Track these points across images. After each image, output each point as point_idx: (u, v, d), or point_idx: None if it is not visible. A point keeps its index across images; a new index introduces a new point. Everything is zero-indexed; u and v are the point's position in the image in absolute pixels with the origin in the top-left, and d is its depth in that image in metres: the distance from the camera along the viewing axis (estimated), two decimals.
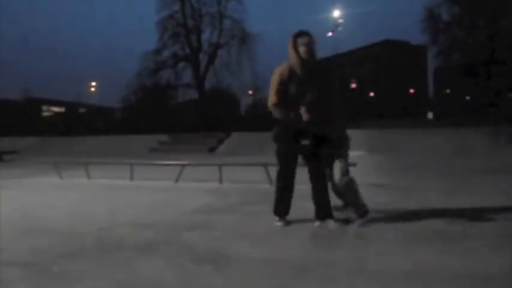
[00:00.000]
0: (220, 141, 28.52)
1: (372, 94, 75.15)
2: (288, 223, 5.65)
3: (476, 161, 14.30)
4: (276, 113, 5.48)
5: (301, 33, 5.29)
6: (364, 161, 14.06)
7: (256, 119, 42.95)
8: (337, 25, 51.12)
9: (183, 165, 10.90)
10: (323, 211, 5.54)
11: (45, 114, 67.77)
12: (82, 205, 8.14)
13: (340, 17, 51.30)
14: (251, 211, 6.88)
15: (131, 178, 11.41)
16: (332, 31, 52.06)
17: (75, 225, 6.14)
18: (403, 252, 4.25)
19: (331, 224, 5.41)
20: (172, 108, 45.72)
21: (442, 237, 4.74)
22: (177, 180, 10.66)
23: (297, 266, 3.98)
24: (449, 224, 5.40)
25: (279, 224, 5.63)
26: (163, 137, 30.31)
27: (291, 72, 5.32)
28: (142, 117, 42.76)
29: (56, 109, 69.21)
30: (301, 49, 5.22)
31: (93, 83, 55.13)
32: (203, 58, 45.14)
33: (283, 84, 5.31)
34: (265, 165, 10.06)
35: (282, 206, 5.70)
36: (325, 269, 3.88)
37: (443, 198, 7.49)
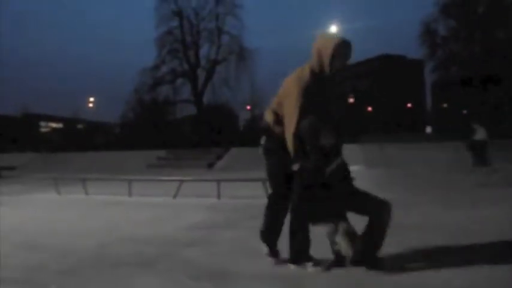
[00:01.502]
0: (219, 157, 28.53)
1: (369, 109, 75.29)
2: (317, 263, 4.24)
3: (475, 174, 14.28)
4: (296, 146, 4.06)
5: (348, 44, 4.12)
6: (362, 175, 14.06)
7: (254, 134, 43.08)
8: None
9: (181, 181, 10.89)
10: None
11: (43, 130, 67.79)
12: (80, 221, 8.12)
13: (338, 33, 51.67)
14: (250, 226, 6.83)
15: (129, 194, 11.39)
16: None
17: (73, 242, 6.11)
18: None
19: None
20: (170, 124, 45.82)
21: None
22: (175, 196, 10.65)
23: (297, 283, 3.96)
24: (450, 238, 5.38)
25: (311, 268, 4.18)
26: (162, 153, 30.34)
27: (319, 83, 4.18)
28: (140, 133, 42.86)
29: (54, 125, 69.25)
30: (338, 62, 4.08)
31: (92, 99, 55.14)
32: (201, 74, 45.40)
33: (310, 102, 4.06)
34: (263, 181, 10.05)
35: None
36: (322, 284, 3.87)
37: (443, 213, 7.46)
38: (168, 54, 45.55)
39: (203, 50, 45.70)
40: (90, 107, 55.41)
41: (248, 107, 50.78)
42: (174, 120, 47.18)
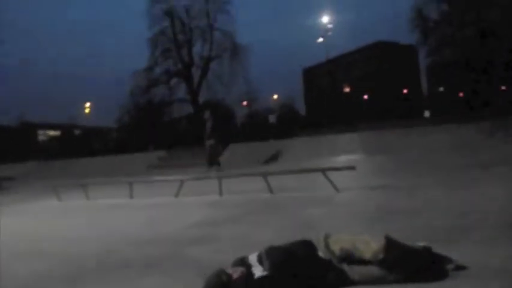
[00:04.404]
0: (218, 154, 28.46)
1: (366, 97, 75.25)
2: None
3: (475, 156, 14.25)
4: None
5: None
6: (362, 164, 14.06)
7: (252, 129, 43.02)
8: (327, 30, 51.45)
9: (182, 180, 10.85)
10: None
11: (41, 138, 67.62)
12: (82, 227, 8.09)
13: (330, 23, 51.62)
14: (253, 221, 6.83)
15: (131, 196, 11.35)
16: (322, 37, 52.36)
17: (76, 247, 6.08)
18: None
19: None
20: (167, 124, 45.72)
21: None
22: (177, 195, 10.61)
23: None
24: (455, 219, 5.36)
25: None
26: (161, 153, 30.27)
27: None
28: (137, 135, 42.79)
29: (51, 132, 69.01)
30: None
31: (87, 104, 55.04)
32: (196, 72, 45.21)
33: None
34: (264, 175, 10.03)
35: None
36: None
37: (446, 194, 7.44)
38: (161, 55, 45.36)
39: (196, 48, 45.53)
40: (86, 113, 55.38)
41: (244, 103, 50.68)
42: (171, 121, 47.04)
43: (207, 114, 17.37)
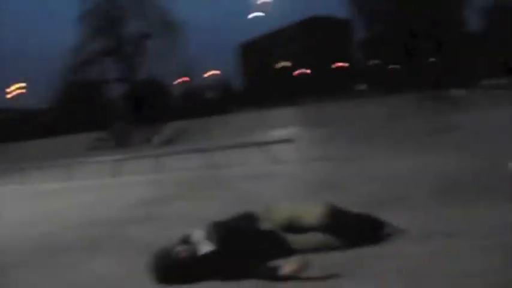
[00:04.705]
0: (157, 132, 28.18)
1: (302, 71, 75.94)
2: None
3: (409, 126, 14.66)
4: None
5: None
6: (301, 137, 14.24)
7: (190, 107, 42.66)
8: (265, 4, 51.20)
9: (120, 160, 10.68)
10: None
11: None
12: (19, 212, 7.86)
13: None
14: (195, 198, 6.84)
15: (69, 179, 11.07)
16: (260, 11, 52.12)
17: (13, 233, 5.93)
18: None
19: None
20: (104, 104, 44.55)
21: None
22: (115, 176, 10.43)
23: None
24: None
25: None
26: (100, 135, 29.62)
27: None
28: (73, 116, 41.54)
29: None
30: None
31: (17, 85, 52.59)
32: (131, 50, 44.00)
33: None
34: (204, 151, 10.04)
35: None
36: None
37: (383, 164, 7.61)
38: (94, 32, 43.72)
39: (130, 26, 44.24)
40: (15, 94, 53.03)
41: (180, 80, 49.92)
42: (107, 100, 45.81)
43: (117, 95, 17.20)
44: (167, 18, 43.10)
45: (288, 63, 75.77)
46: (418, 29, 38.77)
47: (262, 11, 52.40)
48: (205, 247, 3.54)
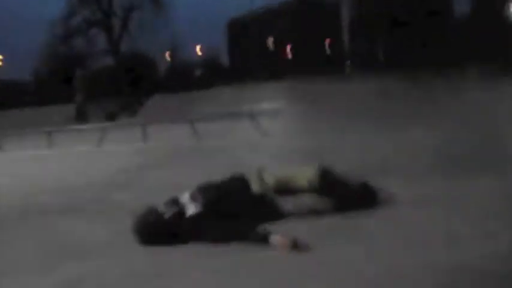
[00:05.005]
0: (141, 104, 27.85)
1: (289, 49, 75.49)
2: None
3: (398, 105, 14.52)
4: None
5: None
6: (288, 111, 14.04)
7: (175, 81, 42.18)
8: None
9: (104, 128, 10.45)
10: None
11: None
12: None
13: None
14: (180, 166, 6.69)
15: (50, 147, 10.80)
16: None
17: None
18: None
19: None
20: (88, 77, 43.76)
21: None
22: (99, 144, 10.21)
23: None
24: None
25: None
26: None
27: None
28: (58, 88, 40.60)
29: None
30: None
31: None
32: (116, 22, 43.27)
33: None
34: (190, 122, 9.86)
35: None
36: None
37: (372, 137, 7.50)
38: (79, 3, 42.81)
39: None
40: None
41: (167, 54, 49.24)
42: (92, 73, 45.05)
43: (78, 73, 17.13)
44: None
45: (275, 42, 75.25)
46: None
47: None
48: (192, 208, 3.40)
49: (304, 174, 3.60)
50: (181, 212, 3.38)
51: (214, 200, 3.44)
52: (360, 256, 2.64)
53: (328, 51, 70.02)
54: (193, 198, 3.48)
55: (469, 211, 3.24)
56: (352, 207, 3.47)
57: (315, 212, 3.47)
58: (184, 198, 3.51)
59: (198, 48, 62.01)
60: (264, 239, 3.03)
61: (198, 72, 47.52)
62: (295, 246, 2.88)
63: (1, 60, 52.84)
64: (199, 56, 62.35)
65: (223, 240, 3.16)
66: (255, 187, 3.60)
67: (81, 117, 17.36)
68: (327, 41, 76.59)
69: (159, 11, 41.84)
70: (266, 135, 8.75)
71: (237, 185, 3.63)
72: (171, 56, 47.55)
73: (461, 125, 7.76)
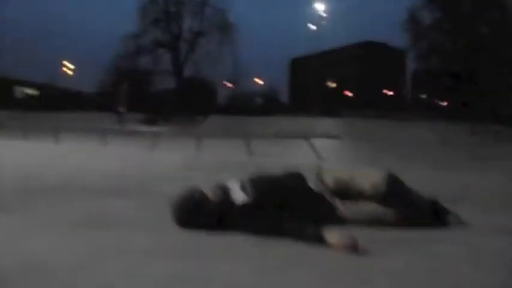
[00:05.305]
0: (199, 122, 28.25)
1: (349, 94, 75.34)
2: None
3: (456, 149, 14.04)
4: None
5: None
6: (344, 144, 13.72)
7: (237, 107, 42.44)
8: (321, 19, 50.95)
9: (158, 133, 10.40)
10: None
11: (18, 95, 65.52)
12: (50, 161, 7.70)
13: (324, 11, 51.18)
14: (230, 173, 6.44)
15: (104, 144, 10.84)
16: (314, 25, 51.88)
17: (41, 172, 5.86)
18: None
19: None
20: (151, 95, 44.72)
21: None
22: (153, 148, 10.15)
23: None
24: None
25: None
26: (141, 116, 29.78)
27: None
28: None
29: (29, 91, 67.06)
30: None
31: (69, 65, 53.66)
32: (183, 46, 44.45)
33: None
34: (244, 138, 9.67)
35: None
36: None
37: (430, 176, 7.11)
38: (150, 24, 44.44)
39: (186, 22, 44.73)
40: (67, 74, 54.11)
41: (228, 84, 49.93)
42: (155, 92, 46.14)
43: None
44: (223, 18, 43.39)
45: (336, 84, 75.24)
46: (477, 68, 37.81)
47: (315, 24, 51.91)
48: (241, 196, 3.11)
49: (369, 178, 3.24)
50: (227, 198, 3.09)
51: (265, 191, 3.12)
52: (423, 268, 2.30)
53: (388, 101, 69.38)
54: (243, 187, 3.19)
55: None
56: (419, 223, 3.10)
57: (377, 222, 3.09)
58: (233, 185, 3.23)
59: (257, 81, 62.80)
60: (318, 237, 2.69)
61: (258, 101, 47.80)
62: (355, 247, 2.56)
63: (73, 69, 55.12)
64: (261, 85, 63.22)
65: (272, 233, 2.84)
66: (312, 185, 3.29)
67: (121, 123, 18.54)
68: (389, 92, 76.17)
69: (226, 39, 42.64)
70: (321, 159, 8.43)
71: (292, 180, 3.30)
72: (233, 83, 48.17)
73: None
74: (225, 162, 8.03)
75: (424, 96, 63.20)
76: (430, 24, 43.14)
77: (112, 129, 12.41)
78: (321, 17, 51.36)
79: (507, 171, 7.85)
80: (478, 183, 5.96)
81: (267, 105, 52.14)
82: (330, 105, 46.54)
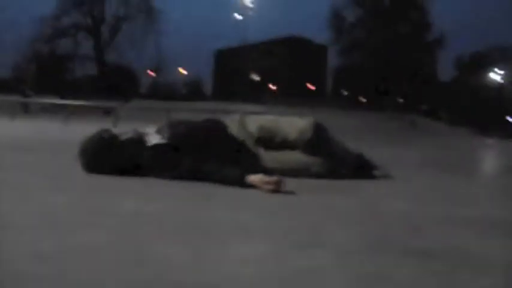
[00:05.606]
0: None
1: (272, 87, 76.00)
2: None
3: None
4: None
5: None
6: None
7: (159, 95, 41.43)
8: (248, 9, 50.67)
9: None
10: None
11: None
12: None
13: (251, 2, 50.93)
14: None
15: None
16: (240, 14, 51.60)
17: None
18: None
19: None
20: (69, 82, 42.43)
21: None
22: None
23: None
24: None
25: None
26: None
27: None
28: (37, 89, 39.16)
29: None
30: None
31: None
32: (105, 31, 42.68)
33: None
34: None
35: None
36: None
37: None
38: (71, 5, 41.94)
39: (110, 6, 42.90)
40: None
41: (150, 72, 48.45)
42: (73, 79, 43.85)
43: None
44: (147, 3, 42.18)
45: (259, 78, 75.60)
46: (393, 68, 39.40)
47: (241, 15, 51.68)
48: (156, 139, 2.82)
49: (296, 125, 3.06)
50: (141, 140, 2.81)
51: (182, 134, 2.86)
52: (352, 203, 2.25)
53: (309, 95, 70.68)
54: (159, 130, 2.91)
55: None
56: (345, 174, 3.01)
57: (301, 172, 2.93)
58: (150, 129, 2.95)
59: (181, 70, 61.79)
60: (240, 179, 2.50)
61: (181, 90, 47.02)
62: (279, 187, 2.36)
63: None
64: (184, 75, 62.31)
65: (189, 176, 2.63)
66: (234, 132, 3.03)
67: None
68: (309, 86, 77.59)
69: (150, 25, 41.48)
70: None
71: (212, 126, 3.04)
72: (155, 72, 46.91)
73: None
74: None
75: (345, 92, 64.72)
76: (352, 22, 44.42)
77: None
78: (247, 7, 50.84)
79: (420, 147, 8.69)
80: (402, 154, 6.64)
81: (189, 94, 51.43)
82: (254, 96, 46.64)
